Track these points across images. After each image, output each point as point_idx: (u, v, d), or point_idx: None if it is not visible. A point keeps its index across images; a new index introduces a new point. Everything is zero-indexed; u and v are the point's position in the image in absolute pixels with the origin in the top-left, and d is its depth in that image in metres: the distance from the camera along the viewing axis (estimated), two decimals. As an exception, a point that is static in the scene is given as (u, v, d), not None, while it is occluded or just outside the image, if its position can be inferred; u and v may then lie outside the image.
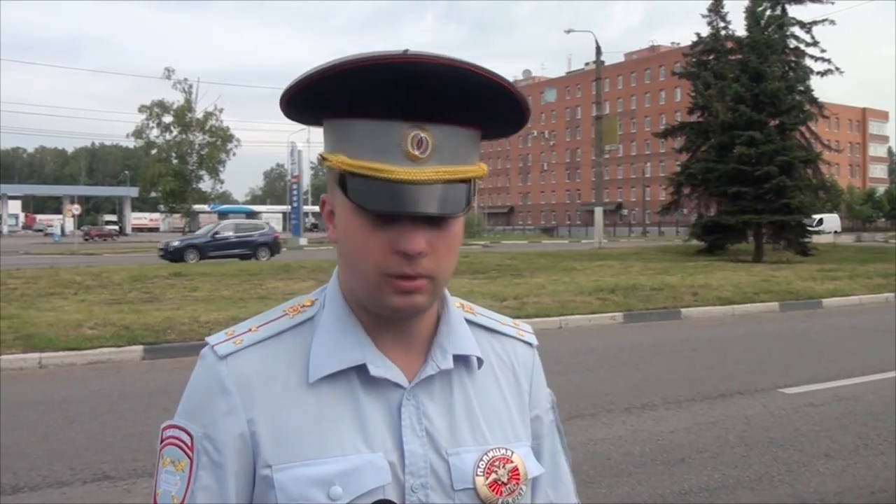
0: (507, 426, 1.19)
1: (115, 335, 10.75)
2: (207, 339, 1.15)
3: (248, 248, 31.97)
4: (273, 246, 33.15)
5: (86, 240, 65.97)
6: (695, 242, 33.43)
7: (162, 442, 1.13)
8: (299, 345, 1.13)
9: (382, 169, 1.00)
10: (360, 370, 1.10)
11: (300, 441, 1.07)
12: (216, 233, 32.63)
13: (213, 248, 31.12)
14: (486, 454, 1.14)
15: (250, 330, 1.15)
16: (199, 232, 35.98)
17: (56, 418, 7.26)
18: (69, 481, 5.56)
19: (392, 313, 1.09)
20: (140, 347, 10.42)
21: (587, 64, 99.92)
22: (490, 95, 1.02)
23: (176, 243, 31.79)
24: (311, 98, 1.05)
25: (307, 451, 1.07)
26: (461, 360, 1.16)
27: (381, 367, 1.10)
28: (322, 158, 1.09)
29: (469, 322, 1.22)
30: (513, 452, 1.16)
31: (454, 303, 1.23)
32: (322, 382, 1.10)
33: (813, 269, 22.57)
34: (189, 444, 1.09)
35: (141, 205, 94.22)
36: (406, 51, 0.97)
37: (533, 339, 1.30)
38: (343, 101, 1.03)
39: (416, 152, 1.01)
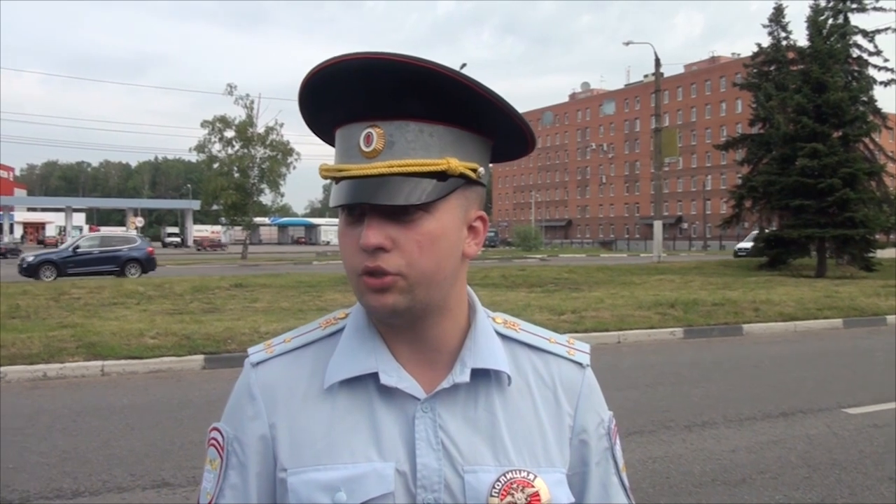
0: (538, 449, 1.14)
1: (177, 344, 10.91)
2: (249, 349, 1.21)
3: (114, 264, 28.74)
4: (146, 262, 29.69)
5: (198, 250, 68.11)
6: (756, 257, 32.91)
7: (207, 442, 1.20)
8: (324, 354, 1.16)
9: (343, 168, 1.07)
10: (377, 380, 1.11)
11: (314, 446, 1.10)
12: (77, 247, 29.40)
13: (73, 265, 27.97)
14: (504, 475, 1.10)
15: (285, 341, 1.20)
16: (61, 246, 32.90)
17: (117, 425, 7.39)
18: (129, 487, 5.64)
19: (372, 313, 1.12)
20: (201, 357, 10.57)
21: (646, 76, 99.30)
22: (422, 83, 1.03)
23: (30, 258, 28.70)
24: (313, 124, 1.15)
25: (319, 456, 1.09)
26: (490, 376, 1.14)
27: (394, 376, 1.11)
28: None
29: (508, 338, 1.20)
30: (535, 477, 1.11)
31: (496, 318, 1.23)
32: (340, 391, 1.12)
33: (877, 284, 22.02)
34: (222, 444, 1.16)
35: (203, 217, 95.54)
36: (462, 67, 1.00)
37: (584, 360, 1.23)
38: (311, 116, 1.13)
39: (366, 149, 1.05)
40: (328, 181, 1.11)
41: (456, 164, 1.06)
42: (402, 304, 1.07)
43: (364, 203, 1.04)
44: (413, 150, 1.04)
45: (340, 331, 1.18)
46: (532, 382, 1.18)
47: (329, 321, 1.22)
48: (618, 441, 1.25)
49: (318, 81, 1.06)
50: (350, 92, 1.05)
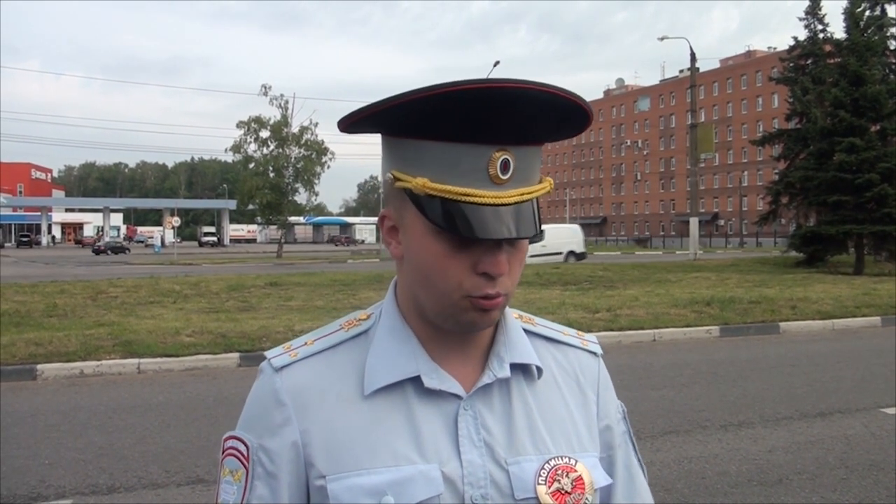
0: (572, 435, 1.17)
1: (212, 343, 11.00)
2: (266, 353, 1.18)
3: None
4: None
5: (336, 245, 68.46)
6: (793, 254, 32.50)
7: (223, 452, 1.15)
8: (353, 357, 1.14)
9: (470, 193, 1.01)
10: (415, 381, 1.11)
11: (353, 451, 1.08)
12: None
13: None
14: (547, 462, 1.12)
15: (306, 343, 1.17)
16: None
17: (153, 422, 7.45)
18: (164, 483, 5.69)
19: (469, 329, 1.10)
20: (236, 355, 10.64)
21: (681, 71, 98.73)
22: (564, 114, 1.03)
23: None
24: (383, 119, 1.06)
25: (360, 460, 1.07)
26: (520, 370, 1.16)
27: (436, 378, 1.11)
28: (394, 178, 1.07)
29: (529, 332, 1.22)
30: (577, 461, 1.14)
31: (513, 314, 1.23)
32: (376, 393, 1.11)
33: (918, 281, 21.67)
34: (245, 454, 1.12)
35: (239, 217, 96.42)
36: (496, 64, 1.00)
37: (597, 349, 1.28)
38: (420, 124, 1.02)
39: (503, 176, 1.01)
40: (400, 188, 1.06)
41: (551, 183, 1.09)
42: (499, 317, 1.11)
43: (509, 237, 1.02)
44: (532, 175, 1.05)
45: (365, 332, 1.17)
46: (556, 373, 1.22)
47: (351, 322, 1.20)
48: (629, 424, 1.31)
49: (470, 98, 0.98)
50: (481, 114, 0.99)
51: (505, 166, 1.01)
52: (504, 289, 1.06)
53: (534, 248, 32.58)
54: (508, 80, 0.97)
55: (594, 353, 1.27)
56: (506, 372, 1.13)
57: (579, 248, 37.76)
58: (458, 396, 1.11)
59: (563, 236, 37.16)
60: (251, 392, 1.17)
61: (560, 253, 35.78)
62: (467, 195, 1.01)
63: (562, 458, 1.13)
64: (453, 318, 1.08)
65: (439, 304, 1.08)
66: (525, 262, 1.11)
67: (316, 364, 1.14)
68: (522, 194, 1.03)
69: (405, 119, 1.03)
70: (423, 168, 1.03)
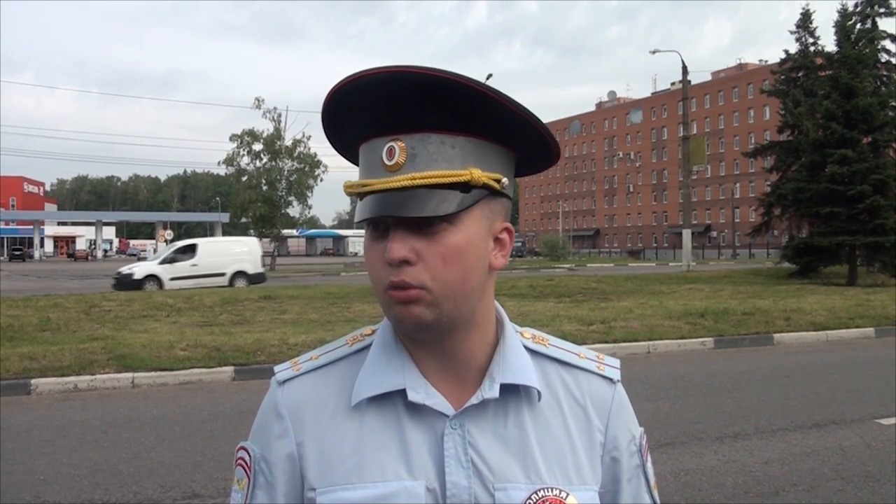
0: (569, 465, 1.12)
1: (207, 356, 10.97)
2: (275, 367, 1.20)
3: None
4: None
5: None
6: (786, 265, 32.55)
7: (235, 462, 1.19)
8: (351, 372, 1.15)
9: (367, 183, 1.07)
10: (405, 396, 1.10)
11: (343, 465, 1.09)
12: None
13: None
14: (536, 493, 1.08)
15: (311, 358, 1.19)
16: None
17: (148, 436, 7.42)
18: (160, 499, 5.67)
19: (399, 327, 1.10)
20: (231, 368, 10.62)
21: (673, 84, 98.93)
22: (453, 97, 1.03)
23: None
24: (337, 141, 1.16)
25: (349, 475, 1.08)
26: (519, 392, 1.12)
27: (422, 393, 1.09)
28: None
29: (537, 353, 1.18)
30: (568, 495, 1.09)
31: (524, 333, 1.21)
32: (368, 408, 1.11)
33: (910, 292, 21.71)
34: (249, 463, 1.15)
35: (231, 230, 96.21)
36: (488, 77, 1.00)
37: (614, 375, 1.21)
38: (351, 133, 1.12)
39: (388, 162, 1.04)
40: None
41: (479, 174, 1.05)
42: (428, 317, 1.05)
43: (388, 216, 1.03)
44: (435, 161, 1.04)
45: (367, 347, 1.17)
46: (562, 398, 1.16)
47: (356, 338, 1.20)
48: (649, 458, 1.23)
49: (341, 98, 1.06)
50: (372, 107, 1.05)
51: (390, 153, 1.04)
52: (414, 280, 1.03)
53: (182, 269, 27.79)
54: (365, 70, 1.03)
55: (610, 380, 1.20)
56: (494, 393, 1.09)
57: (253, 268, 29.68)
58: (445, 415, 1.09)
59: (225, 253, 29.25)
60: (261, 404, 1.19)
61: (222, 274, 28.42)
62: (365, 185, 1.06)
63: (552, 489, 1.09)
64: (387, 315, 1.10)
65: (381, 304, 1.10)
66: (457, 256, 1.04)
67: (316, 378, 1.16)
68: (413, 178, 1.02)
69: (335, 137, 1.14)
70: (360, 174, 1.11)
